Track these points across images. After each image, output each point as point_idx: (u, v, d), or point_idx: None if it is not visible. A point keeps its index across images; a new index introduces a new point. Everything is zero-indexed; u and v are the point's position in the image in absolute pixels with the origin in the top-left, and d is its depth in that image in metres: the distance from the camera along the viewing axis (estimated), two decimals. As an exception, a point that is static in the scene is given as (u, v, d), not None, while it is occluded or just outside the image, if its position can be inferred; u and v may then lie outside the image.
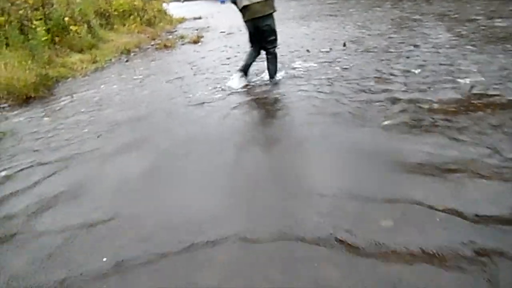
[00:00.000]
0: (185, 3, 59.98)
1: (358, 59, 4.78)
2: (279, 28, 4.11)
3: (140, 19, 12.12)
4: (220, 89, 4.17)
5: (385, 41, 5.71)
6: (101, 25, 10.94)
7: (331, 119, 2.95)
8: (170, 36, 9.96)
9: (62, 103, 4.38)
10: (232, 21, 13.92)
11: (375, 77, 3.88)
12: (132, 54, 7.37)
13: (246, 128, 3.04)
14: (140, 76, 5.25)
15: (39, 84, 4.81)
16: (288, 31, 7.54)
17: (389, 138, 2.53)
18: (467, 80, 3.46)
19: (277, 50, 4.14)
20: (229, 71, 4.87)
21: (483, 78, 3.48)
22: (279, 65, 4.26)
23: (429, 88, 3.37)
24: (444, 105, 2.96)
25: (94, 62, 6.58)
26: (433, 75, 3.73)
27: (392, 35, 6.04)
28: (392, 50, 5.01)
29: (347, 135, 2.65)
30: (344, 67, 4.49)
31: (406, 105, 3.04)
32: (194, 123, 3.25)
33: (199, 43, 8.12)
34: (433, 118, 2.73)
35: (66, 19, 7.29)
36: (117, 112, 3.83)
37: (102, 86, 4.99)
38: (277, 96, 3.70)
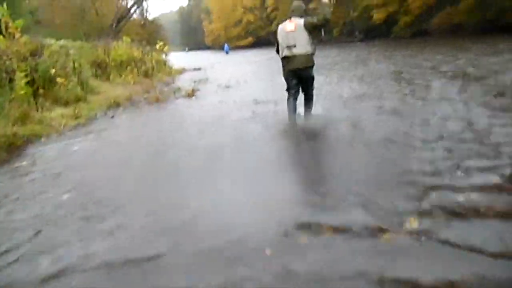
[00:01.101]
0: (189, 52, 62.01)
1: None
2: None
3: (138, 70, 11.87)
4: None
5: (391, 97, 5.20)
6: (96, 75, 10.67)
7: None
8: (166, 89, 9.59)
9: (18, 172, 3.67)
10: (232, 74, 13.86)
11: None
12: (121, 108, 6.86)
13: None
14: (120, 138, 4.64)
15: (2, 146, 4.19)
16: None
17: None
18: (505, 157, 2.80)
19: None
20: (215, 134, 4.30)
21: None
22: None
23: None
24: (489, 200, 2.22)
25: (77, 117, 6.02)
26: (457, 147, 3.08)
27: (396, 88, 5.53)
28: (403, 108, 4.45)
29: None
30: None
31: (435, 197, 2.31)
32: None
33: (194, 97, 7.67)
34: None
35: (53, 70, 6.86)
36: (70, 190, 3.04)
37: (75, 148, 4.36)
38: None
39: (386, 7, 31.65)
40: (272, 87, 7.90)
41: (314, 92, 4.55)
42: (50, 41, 11.26)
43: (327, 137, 4.04)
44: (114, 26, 28.68)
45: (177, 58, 22.47)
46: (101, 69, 11.05)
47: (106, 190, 2.89)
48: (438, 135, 3.42)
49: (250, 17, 57.50)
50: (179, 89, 8.95)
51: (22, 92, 5.69)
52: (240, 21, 58.68)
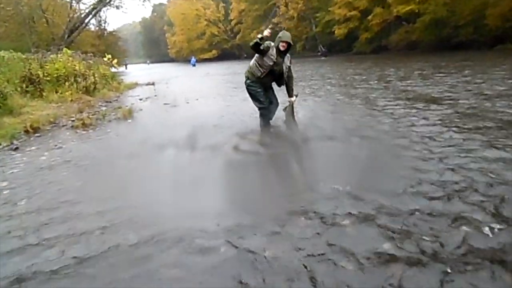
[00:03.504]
0: (151, 65, 60.71)
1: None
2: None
3: (77, 86, 10.66)
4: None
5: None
6: (26, 91, 9.40)
7: None
8: (104, 108, 8.49)
9: None
10: (186, 88, 12.97)
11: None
12: (35, 135, 5.73)
13: None
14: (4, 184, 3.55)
15: None
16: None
17: None
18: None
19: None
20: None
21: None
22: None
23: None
24: None
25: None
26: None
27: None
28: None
29: None
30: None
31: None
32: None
33: (130, 120, 6.68)
34: None
35: None
36: None
37: None
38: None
39: (347, 23, 32.11)
40: (227, 107, 7.14)
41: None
42: None
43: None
44: (66, 36, 26.93)
45: (135, 71, 21.24)
46: (33, 84, 9.78)
47: None
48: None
49: (214, 29, 56.99)
50: (117, 108, 7.91)
51: None
52: (203, 33, 57.91)
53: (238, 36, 52.80)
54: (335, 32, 33.14)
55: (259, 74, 4.50)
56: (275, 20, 40.30)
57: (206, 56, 55.46)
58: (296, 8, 39.10)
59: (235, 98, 8.25)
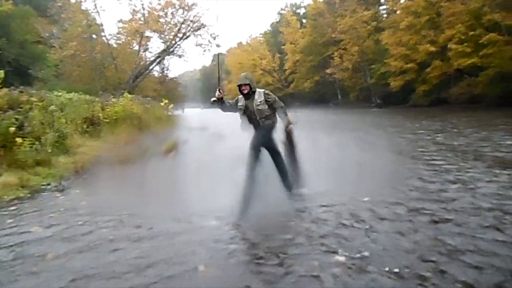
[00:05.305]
0: (205, 110, 62.94)
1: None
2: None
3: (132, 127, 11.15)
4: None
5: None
6: (86, 131, 9.98)
7: None
8: (151, 145, 8.65)
9: None
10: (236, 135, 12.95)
11: None
12: (83, 176, 5.86)
13: None
14: (40, 229, 3.49)
15: None
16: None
17: None
18: None
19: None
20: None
21: None
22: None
23: None
24: None
25: (22, 186, 5.03)
26: None
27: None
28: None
29: None
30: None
31: None
32: None
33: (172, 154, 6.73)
34: None
35: (12, 129, 6.04)
36: None
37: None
38: None
39: (403, 75, 31.37)
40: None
41: None
42: (57, 93, 10.88)
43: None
44: (131, 81, 29.14)
45: (191, 115, 22.03)
46: (93, 125, 10.38)
47: None
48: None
49: (269, 78, 58.72)
50: (163, 143, 8.06)
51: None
52: (258, 82, 59.84)
53: (291, 85, 53.83)
54: (391, 83, 32.42)
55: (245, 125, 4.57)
56: (329, 70, 40.67)
57: (259, 103, 56.89)
58: (351, 59, 39.24)
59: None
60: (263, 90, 4.54)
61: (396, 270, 2.43)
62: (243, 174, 3.97)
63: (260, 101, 4.38)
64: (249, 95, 4.42)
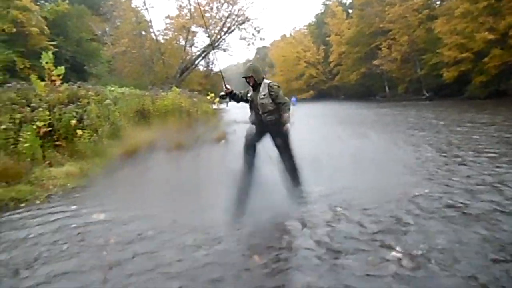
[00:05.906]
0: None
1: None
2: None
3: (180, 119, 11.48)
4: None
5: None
6: (138, 124, 10.39)
7: None
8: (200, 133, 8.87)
9: None
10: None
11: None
12: (133, 158, 6.13)
13: None
14: (95, 217, 3.68)
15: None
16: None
17: None
18: None
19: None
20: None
21: None
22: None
23: None
24: None
25: (84, 175, 5.33)
26: None
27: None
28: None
29: None
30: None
31: None
32: None
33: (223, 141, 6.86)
34: None
35: (73, 122, 6.40)
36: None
37: (32, 234, 3.46)
38: None
39: (457, 66, 29.44)
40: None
41: None
42: (110, 88, 11.47)
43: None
44: (178, 76, 29.99)
45: (235, 109, 22.24)
46: (144, 118, 10.79)
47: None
48: None
49: (313, 71, 57.84)
50: (213, 133, 8.24)
51: (26, 145, 5.15)
52: (302, 74, 59.18)
53: (336, 78, 52.68)
54: (444, 75, 30.55)
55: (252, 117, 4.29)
56: (376, 62, 39.24)
57: (304, 96, 56.18)
58: (400, 50, 37.52)
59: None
60: (269, 81, 4.21)
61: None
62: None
63: (264, 94, 4.09)
64: (256, 87, 4.18)
